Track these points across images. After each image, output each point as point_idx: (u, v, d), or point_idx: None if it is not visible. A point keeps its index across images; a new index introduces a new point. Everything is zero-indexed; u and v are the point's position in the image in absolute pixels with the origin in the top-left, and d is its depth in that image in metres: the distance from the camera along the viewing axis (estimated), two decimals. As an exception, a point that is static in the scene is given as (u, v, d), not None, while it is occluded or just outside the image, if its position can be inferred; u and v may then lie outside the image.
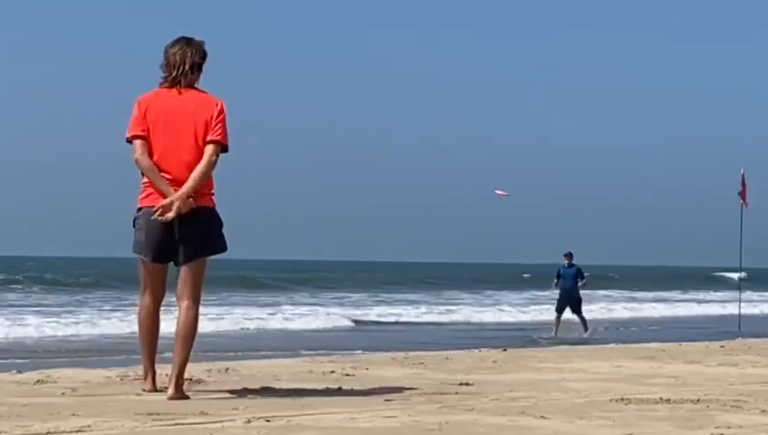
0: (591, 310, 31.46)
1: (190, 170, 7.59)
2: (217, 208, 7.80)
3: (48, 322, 25.80)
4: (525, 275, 75.37)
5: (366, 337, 24.26)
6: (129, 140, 7.76)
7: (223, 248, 7.81)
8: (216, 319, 27.05)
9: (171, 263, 7.83)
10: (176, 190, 7.55)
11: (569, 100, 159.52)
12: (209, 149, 7.66)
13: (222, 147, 7.73)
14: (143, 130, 7.68)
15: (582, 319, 25.73)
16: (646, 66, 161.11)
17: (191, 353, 7.69)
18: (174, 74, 7.73)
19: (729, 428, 6.80)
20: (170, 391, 7.53)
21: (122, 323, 25.25)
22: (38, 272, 59.54)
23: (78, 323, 26.06)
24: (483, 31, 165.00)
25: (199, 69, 7.83)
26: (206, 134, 7.66)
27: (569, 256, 25.80)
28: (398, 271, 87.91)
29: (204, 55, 7.83)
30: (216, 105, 7.75)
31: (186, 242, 7.63)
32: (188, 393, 7.72)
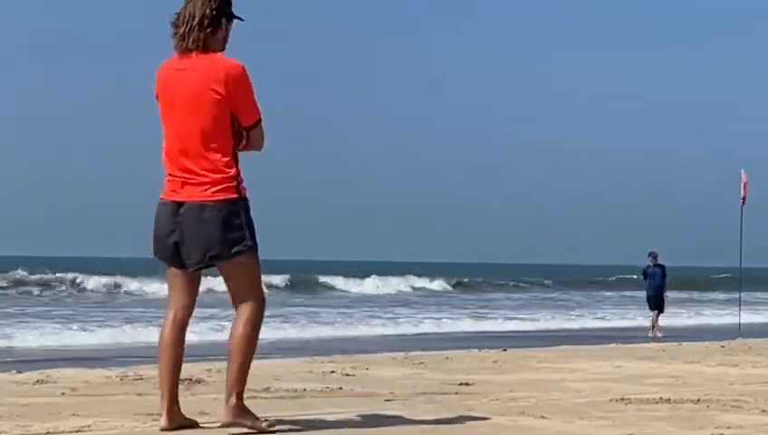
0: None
1: (191, 166, 6.13)
2: (240, 202, 6.18)
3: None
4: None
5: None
6: None
7: (240, 251, 6.15)
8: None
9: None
10: (174, 192, 6.19)
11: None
12: (253, 134, 6.24)
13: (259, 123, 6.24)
14: (161, 115, 6.30)
15: (658, 316, 26.15)
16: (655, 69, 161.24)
17: (244, 369, 6.21)
18: (179, 32, 6.17)
19: (729, 428, 6.80)
20: (222, 414, 6.25)
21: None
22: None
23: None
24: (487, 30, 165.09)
25: (214, 24, 6.17)
26: (217, 116, 6.10)
27: (654, 255, 26.22)
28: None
29: (221, 5, 6.19)
30: (232, 72, 6.12)
31: (189, 245, 6.18)
32: (188, 393, 7.66)
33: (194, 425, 6.36)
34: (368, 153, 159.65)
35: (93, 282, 47.45)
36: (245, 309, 6.17)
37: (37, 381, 9.06)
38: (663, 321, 26.53)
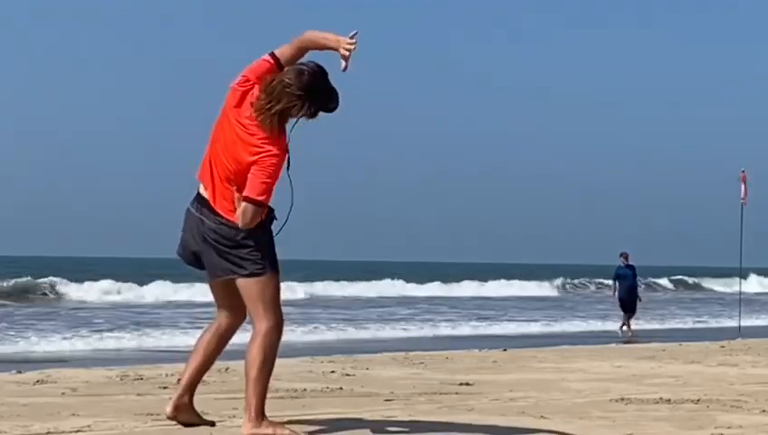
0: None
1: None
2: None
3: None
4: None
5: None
6: None
7: (254, 273, 6.12)
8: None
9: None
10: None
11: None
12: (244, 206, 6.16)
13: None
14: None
15: (631, 315, 25.85)
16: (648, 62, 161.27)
17: (258, 385, 6.09)
18: (260, 103, 6.17)
19: (729, 428, 6.81)
20: (243, 428, 6.16)
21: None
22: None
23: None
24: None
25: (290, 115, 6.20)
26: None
27: (625, 255, 26.06)
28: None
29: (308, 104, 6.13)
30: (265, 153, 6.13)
31: (206, 257, 6.25)
32: (196, 391, 7.55)
33: (202, 424, 6.38)
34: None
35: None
36: (258, 328, 6.13)
37: (37, 382, 9.07)
38: (637, 324, 26.15)
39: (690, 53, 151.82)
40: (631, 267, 25.98)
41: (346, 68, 6.17)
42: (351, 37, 6.15)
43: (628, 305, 25.73)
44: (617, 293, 25.98)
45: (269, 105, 6.00)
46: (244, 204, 5.99)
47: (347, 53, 6.14)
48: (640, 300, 26.01)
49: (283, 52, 6.19)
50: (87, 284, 42.05)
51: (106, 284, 42.39)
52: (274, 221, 6.22)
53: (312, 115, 6.11)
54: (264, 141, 6.01)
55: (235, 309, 6.33)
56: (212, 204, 6.14)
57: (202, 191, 6.22)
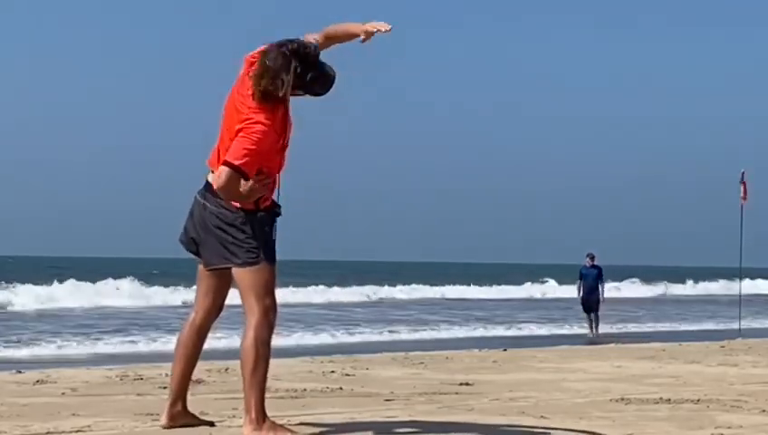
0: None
1: None
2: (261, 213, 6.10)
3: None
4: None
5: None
6: None
7: (247, 262, 6.05)
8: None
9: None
10: None
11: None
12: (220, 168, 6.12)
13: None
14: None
15: (596, 318, 25.68)
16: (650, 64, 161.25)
17: (255, 383, 5.98)
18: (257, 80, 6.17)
19: (729, 428, 6.80)
20: (244, 430, 6.04)
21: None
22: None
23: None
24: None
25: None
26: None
27: (590, 256, 25.96)
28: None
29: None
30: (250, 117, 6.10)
31: (203, 246, 6.19)
32: (188, 393, 7.61)
33: (201, 424, 6.35)
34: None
35: None
36: (249, 321, 6.03)
37: (37, 382, 9.06)
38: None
39: (691, 53, 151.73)
40: (596, 268, 25.82)
41: (364, 40, 6.18)
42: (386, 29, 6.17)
43: (587, 305, 25.59)
44: (580, 293, 25.97)
45: (258, 77, 5.96)
46: (221, 166, 5.91)
47: (373, 30, 6.15)
48: (602, 301, 25.69)
49: (307, 36, 6.20)
50: None
51: None
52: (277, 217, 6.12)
53: (301, 87, 6.03)
54: (253, 111, 5.95)
55: (213, 304, 6.28)
56: (215, 187, 6.01)
57: (209, 177, 6.14)
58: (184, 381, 6.31)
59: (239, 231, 6.03)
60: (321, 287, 47.69)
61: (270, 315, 6.04)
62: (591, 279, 25.74)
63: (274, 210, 6.14)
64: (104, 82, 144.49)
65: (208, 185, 6.13)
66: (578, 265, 26.97)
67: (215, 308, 6.31)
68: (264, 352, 6.00)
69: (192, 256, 6.31)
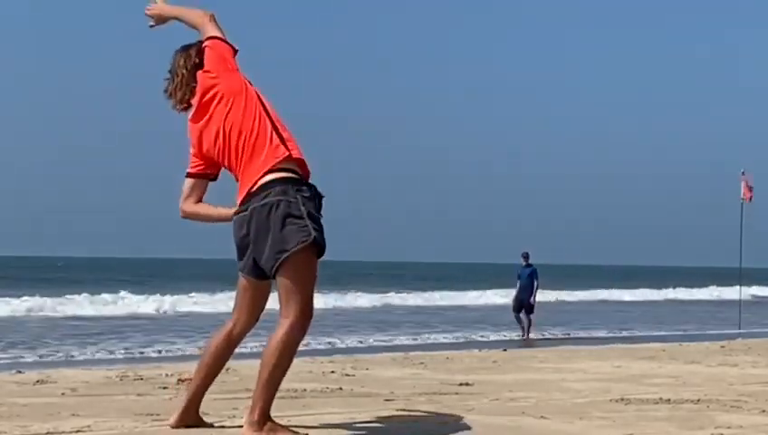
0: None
1: None
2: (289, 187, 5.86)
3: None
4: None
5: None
6: None
7: (298, 242, 5.77)
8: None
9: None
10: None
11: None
12: None
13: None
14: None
15: (529, 321, 25.21)
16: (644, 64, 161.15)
17: (271, 384, 5.97)
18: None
19: (729, 428, 6.80)
20: (243, 430, 5.92)
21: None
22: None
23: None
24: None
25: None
26: None
27: (525, 255, 25.72)
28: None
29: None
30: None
31: (256, 252, 5.93)
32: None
33: (201, 425, 6.32)
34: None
35: None
36: (283, 320, 5.85)
37: (37, 382, 9.07)
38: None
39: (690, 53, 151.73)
40: (530, 267, 25.58)
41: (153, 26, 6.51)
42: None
43: (518, 305, 25.13)
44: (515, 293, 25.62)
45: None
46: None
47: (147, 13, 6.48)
48: (533, 303, 25.05)
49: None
50: None
51: None
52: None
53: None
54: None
55: (252, 316, 6.17)
56: (247, 190, 5.88)
57: (237, 195, 5.99)
58: (204, 388, 6.25)
59: (290, 215, 5.78)
60: (323, 289, 47.71)
61: (307, 319, 5.86)
62: (525, 279, 25.54)
63: (316, 192, 5.96)
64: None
65: (241, 198, 5.92)
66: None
67: (253, 320, 6.20)
68: (288, 356, 5.87)
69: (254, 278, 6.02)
